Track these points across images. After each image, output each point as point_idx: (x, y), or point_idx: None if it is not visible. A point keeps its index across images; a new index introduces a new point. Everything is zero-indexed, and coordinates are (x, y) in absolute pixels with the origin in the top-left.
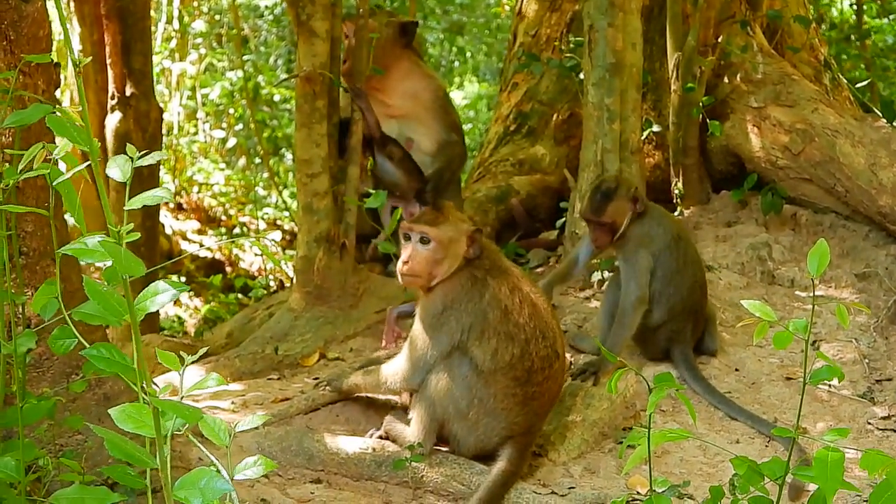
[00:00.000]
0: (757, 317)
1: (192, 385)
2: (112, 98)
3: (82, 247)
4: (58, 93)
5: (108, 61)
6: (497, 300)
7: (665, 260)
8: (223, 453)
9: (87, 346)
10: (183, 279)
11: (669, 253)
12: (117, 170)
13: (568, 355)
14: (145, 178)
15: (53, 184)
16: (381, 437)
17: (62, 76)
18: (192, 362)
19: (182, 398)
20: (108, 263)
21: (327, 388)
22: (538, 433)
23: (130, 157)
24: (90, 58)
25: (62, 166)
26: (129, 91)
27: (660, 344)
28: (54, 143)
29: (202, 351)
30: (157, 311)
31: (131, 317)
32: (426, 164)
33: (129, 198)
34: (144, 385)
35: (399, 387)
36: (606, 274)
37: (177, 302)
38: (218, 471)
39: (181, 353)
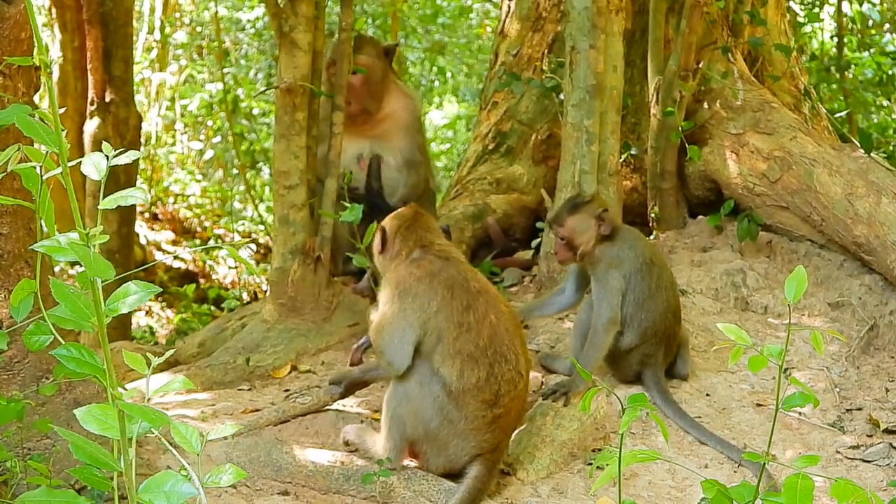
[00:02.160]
0: (731, 341)
1: (159, 388)
2: (91, 104)
3: (55, 244)
4: (36, 97)
5: (89, 67)
6: (449, 314)
7: (636, 283)
8: (193, 461)
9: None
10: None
11: (641, 276)
12: (92, 168)
13: (539, 375)
14: (122, 186)
15: (41, 182)
16: (346, 446)
17: (42, 80)
18: (159, 363)
19: (148, 401)
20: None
21: (332, 388)
22: (505, 450)
23: (106, 156)
24: (61, 58)
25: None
26: (108, 97)
27: (631, 367)
28: (32, 145)
29: (169, 353)
30: (130, 318)
31: (98, 320)
32: (394, 180)
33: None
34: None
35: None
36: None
37: (148, 311)
38: (187, 475)
39: (148, 354)
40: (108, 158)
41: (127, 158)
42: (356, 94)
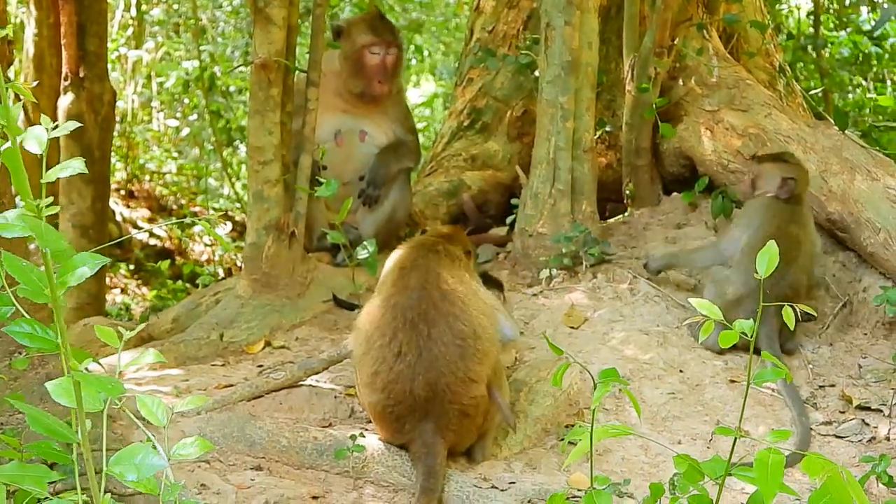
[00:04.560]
0: (703, 315)
1: (130, 361)
2: (65, 79)
3: (3, 221)
4: (11, 73)
5: (63, 42)
6: None
7: (758, 238)
8: (164, 435)
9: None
10: (132, 267)
11: (765, 235)
12: (34, 141)
13: (514, 352)
14: (97, 161)
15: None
16: None
17: (18, 59)
18: (131, 338)
19: (120, 374)
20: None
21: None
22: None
23: (46, 129)
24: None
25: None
26: (82, 73)
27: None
28: None
29: (141, 327)
30: (104, 294)
31: (52, 292)
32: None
33: (48, 171)
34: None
35: None
36: (555, 272)
37: (124, 289)
38: (155, 448)
39: (120, 329)
40: (48, 131)
41: (64, 131)
42: (389, 74)
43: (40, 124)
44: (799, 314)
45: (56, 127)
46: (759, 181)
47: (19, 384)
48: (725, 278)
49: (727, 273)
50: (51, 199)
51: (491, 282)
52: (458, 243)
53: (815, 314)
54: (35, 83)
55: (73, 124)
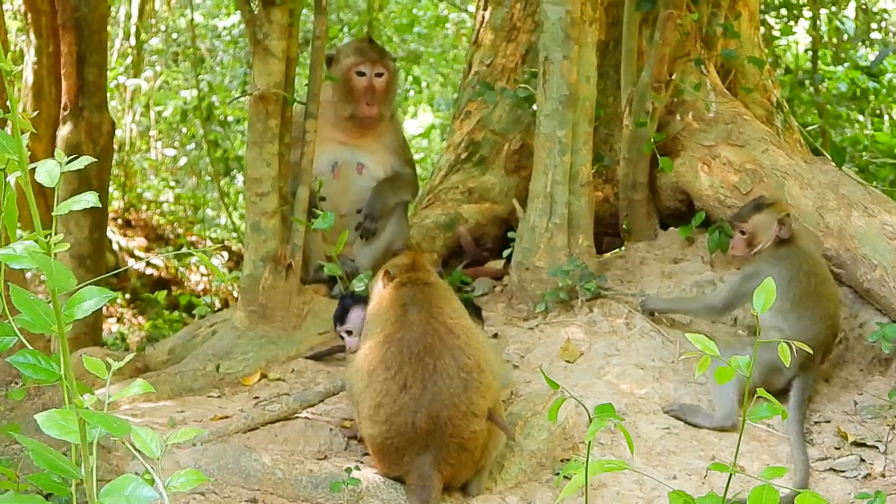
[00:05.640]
0: (698, 351)
1: (118, 393)
2: (64, 109)
3: (11, 252)
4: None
5: (62, 72)
6: None
7: (795, 284)
8: (158, 467)
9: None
10: (128, 296)
11: (798, 281)
12: (45, 174)
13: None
14: (95, 191)
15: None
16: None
17: (17, 87)
18: (125, 369)
19: (108, 406)
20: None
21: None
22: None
23: (59, 163)
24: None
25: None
26: (81, 103)
27: (791, 369)
28: None
29: (129, 357)
30: (100, 324)
31: (59, 327)
32: (368, 190)
33: (58, 203)
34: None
35: None
36: (551, 306)
37: (120, 318)
38: (151, 479)
39: (108, 359)
40: (61, 165)
41: (79, 164)
42: (378, 96)
43: (36, 154)
44: (795, 350)
45: (70, 161)
46: (757, 236)
47: (16, 414)
48: (706, 308)
49: (765, 318)
50: (61, 235)
51: (469, 307)
52: (429, 271)
53: (811, 352)
54: (35, 113)
55: (88, 159)
